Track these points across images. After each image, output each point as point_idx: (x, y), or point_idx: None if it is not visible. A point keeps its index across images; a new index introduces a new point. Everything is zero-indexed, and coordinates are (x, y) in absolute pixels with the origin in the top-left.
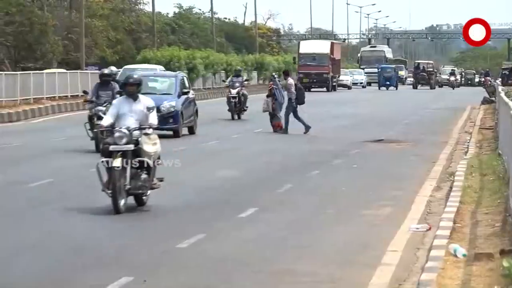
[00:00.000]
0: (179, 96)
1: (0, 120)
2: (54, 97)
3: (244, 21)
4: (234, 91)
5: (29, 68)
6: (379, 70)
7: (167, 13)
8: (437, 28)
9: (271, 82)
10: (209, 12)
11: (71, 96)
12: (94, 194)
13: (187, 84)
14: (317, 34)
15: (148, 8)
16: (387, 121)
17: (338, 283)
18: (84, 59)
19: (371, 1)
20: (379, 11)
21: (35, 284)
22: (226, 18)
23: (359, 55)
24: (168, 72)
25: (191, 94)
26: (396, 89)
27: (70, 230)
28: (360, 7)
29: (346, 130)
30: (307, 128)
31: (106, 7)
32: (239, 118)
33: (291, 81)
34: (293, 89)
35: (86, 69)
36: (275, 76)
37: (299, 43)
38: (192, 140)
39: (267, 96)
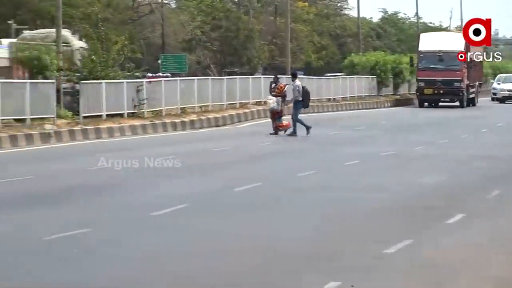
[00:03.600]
0: None
1: (207, 125)
2: (259, 102)
3: (449, 25)
4: None
5: (235, 72)
6: None
7: (371, 17)
8: None
9: (282, 84)
10: (414, 16)
11: None
12: (299, 198)
13: None
14: None
15: (353, 13)
16: None
17: None
18: (290, 64)
19: None
20: None
21: (242, 286)
22: (431, 23)
23: None
24: None
25: None
26: None
27: (276, 234)
28: None
29: None
30: (293, 132)
31: (311, 12)
32: None
33: (298, 83)
34: (299, 93)
35: None
36: (279, 77)
37: (418, 36)
38: (400, 143)
39: (275, 96)
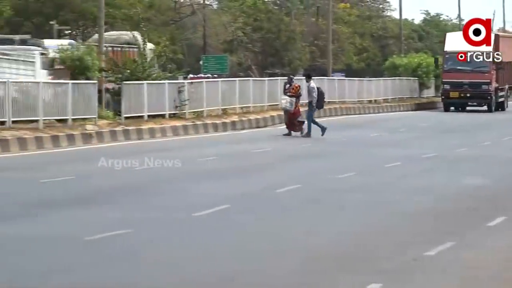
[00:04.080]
0: None
1: (248, 126)
2: (301, 103)
3: (491, 28)
4: None
5: (276, 74)
6: None
7: (412, 19)
8: None
9: (296, 84)
10: (456, 18)
11: None
12: (339, 200)
13: None
14: None
15: (395, 14)
16: None
17: None
18: (331, 65)
19: None
20: None
21: (283, 286)
22: None
23: None
24: None
25: None
26: None
27: (316, 235)
28: None
29: None
30: (324, 129)
31: (352, 13)
32: None
33: (313, 84)
34: (314, 94)
35: (332, 76)
36: (293, 77)
37: (445, 35)
38: (441, 145)
39: (291, 96)
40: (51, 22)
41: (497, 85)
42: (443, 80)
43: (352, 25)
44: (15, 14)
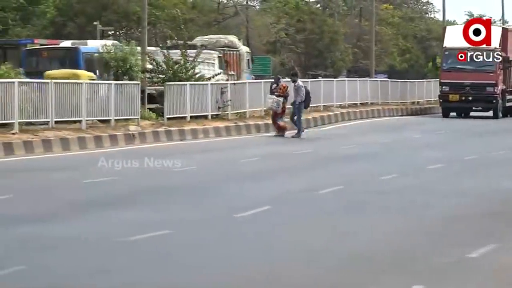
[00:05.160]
0: None
1: (290, 127)
2: (343, 104)
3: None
4: None
5: (319, 75)
6: None
7: (454, 20)
8: None
9: (284, 84)
10: (499, 20)
11: (360, 104)
12: (381, 202)
13: None
14: None
15: (438, 16)
16: None
17: None
18: (374, 67)
19: None
20: None
21: (323, 286)
22: None
23: None
24: None
25: None
26: None
27: (357, 236)
28: None
29: None
30: (300, 133)
31: (396, 15)
32: None
33: (301, 84)
34: (302, 93)
35: (375, 77)
36: (280, 77)
37: (444, 29)
38: (480, 147)
39: (278, 96)
40: (95, 23)
41: (504, 87)
42: (441, 80)
43: (395, 27)
44: (58, 15)
